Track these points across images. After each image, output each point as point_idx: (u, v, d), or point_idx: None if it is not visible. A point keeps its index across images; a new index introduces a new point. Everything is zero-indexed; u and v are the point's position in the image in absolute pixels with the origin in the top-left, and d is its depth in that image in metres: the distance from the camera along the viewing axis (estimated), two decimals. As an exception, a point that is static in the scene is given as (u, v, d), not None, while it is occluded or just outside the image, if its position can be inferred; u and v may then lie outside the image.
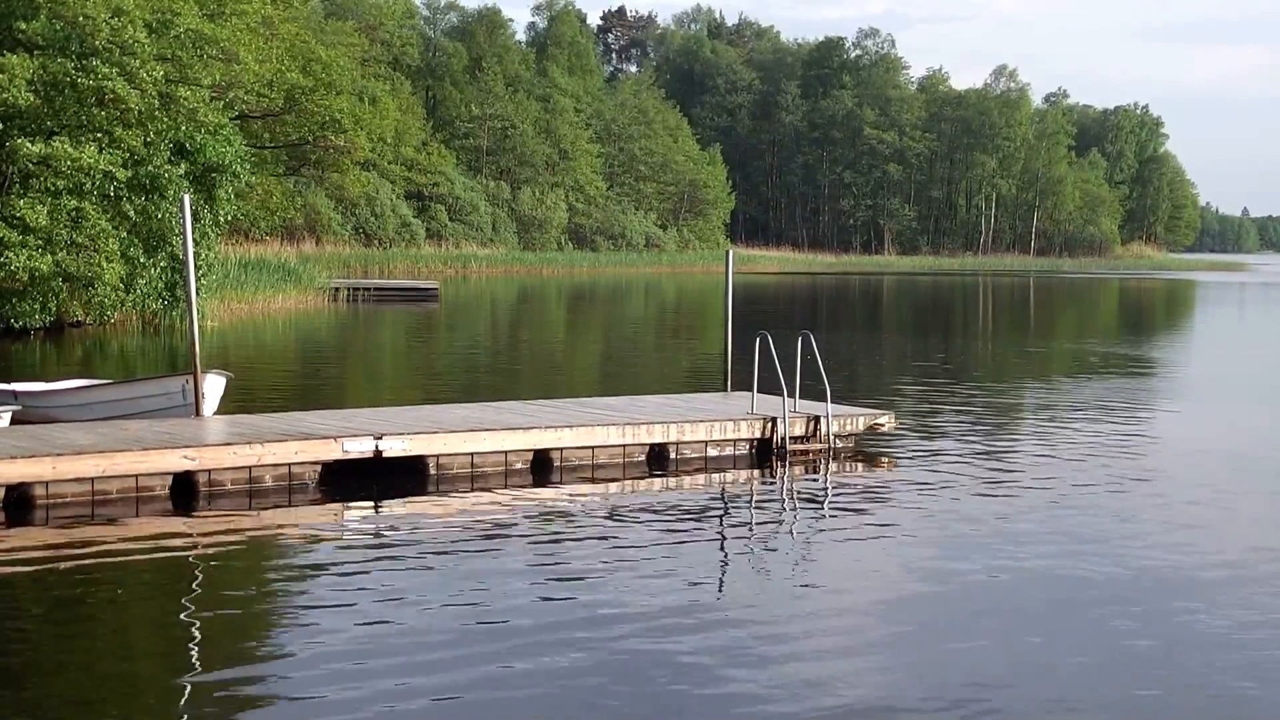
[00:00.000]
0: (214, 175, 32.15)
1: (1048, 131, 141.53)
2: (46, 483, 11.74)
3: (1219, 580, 10.11)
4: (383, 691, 7.39)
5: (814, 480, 14.26)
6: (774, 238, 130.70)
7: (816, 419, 15.53)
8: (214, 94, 34.20)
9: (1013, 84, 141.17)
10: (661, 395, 17.87)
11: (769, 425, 15.24)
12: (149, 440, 12.59)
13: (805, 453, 15.29)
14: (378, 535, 11.44)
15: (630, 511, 12.40)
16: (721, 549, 11.28)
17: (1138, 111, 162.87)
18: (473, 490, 13.11)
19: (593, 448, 14.29)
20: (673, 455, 14.73)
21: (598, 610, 9.00)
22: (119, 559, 10.35)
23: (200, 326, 15.79)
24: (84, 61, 29.32)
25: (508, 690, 7.48)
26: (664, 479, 14.06)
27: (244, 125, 43.49)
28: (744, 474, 14.43)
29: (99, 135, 29.70)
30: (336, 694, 7.38)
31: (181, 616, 9.00)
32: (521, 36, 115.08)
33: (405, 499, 12.72)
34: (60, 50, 29.56)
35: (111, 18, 29.81)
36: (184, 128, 31.43)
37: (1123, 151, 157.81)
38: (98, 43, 29.49)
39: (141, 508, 11.88)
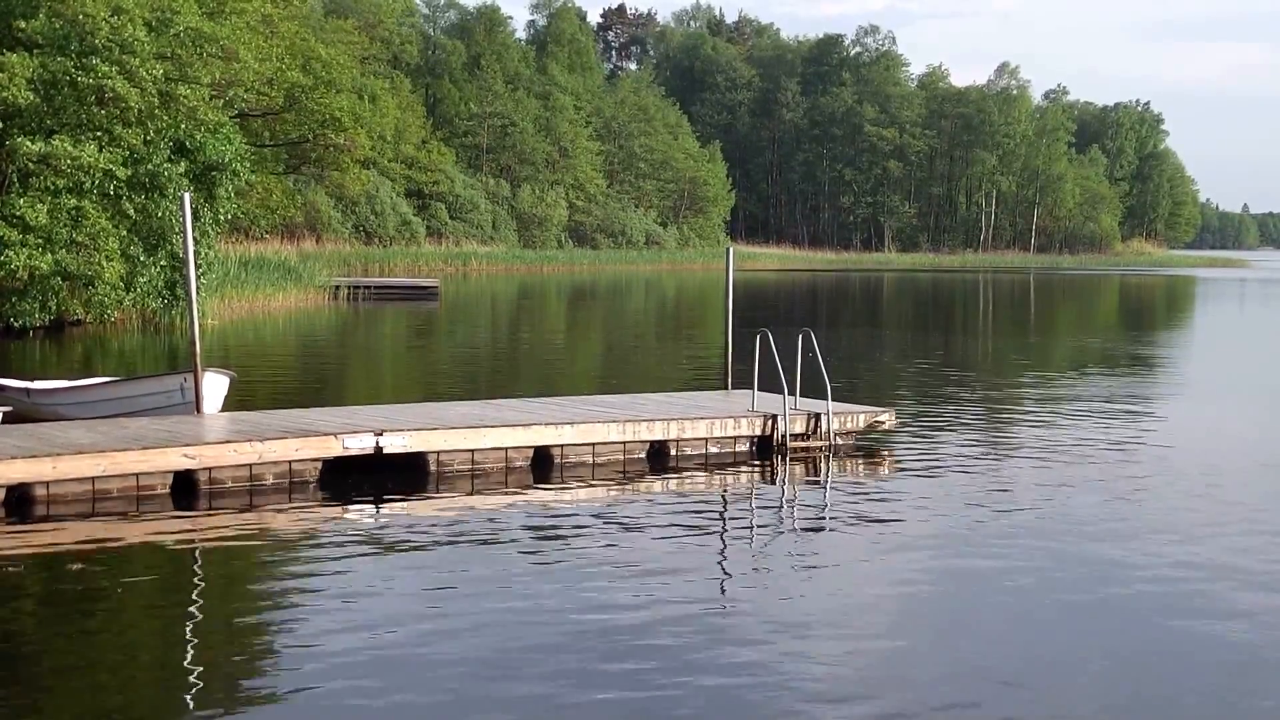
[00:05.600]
0: (214, 173, 32.12)
1: (1048, 128, 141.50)
2: (47, 482, 11.74)
3: (1223, 575, 10.10)
4: (383, 689, 7.39)
5: (814, 478, 14.26)
6: (774, 235, 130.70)
7: (817, 416, 15.52)
8: (214, 92, 34.19)
9: (1014, 81, 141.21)
10: (662, 393, 17.87)
11: (769, 423, 15.23)
12: (149, 439, 12.58)
13: (806, 450, 15.28)
14: (378, 532, 11.43)
15: (631, 509, 12.40)
16: (722, 547, 11.27)
17: (1138, 108, 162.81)
18: (473, 487, 13.11)
19: (593, 445, 14.29)
20: (673, 452, 14.72)
21: (598, 608, 9.00)
22: (119, 558, 10.35)
23: (200, 325, 15.79)
24: (83, 60, 29.31)
25: (507, 688, 7.47)
26: (664, 476, 14.05)
27: (244, 123, 43.47)
28: (744, 471, 14.42)
29: (99, 134, 29.69)
30: (337, 692, 7.38)
31: (182, 615, 9.00)
32: (521, 34, 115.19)
33: (406, 496, 12.72)
34: (60, 49, 29.55)
35: (111, 16, 29.80)
36: (184, 126, 31.41)
37: (1123, 148, 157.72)
38: (97, 41, 29.48)
39: (142, 506, 11.88)
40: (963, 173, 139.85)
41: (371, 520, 11.99)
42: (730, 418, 15.17)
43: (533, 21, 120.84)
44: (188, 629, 8.68)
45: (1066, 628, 8.83)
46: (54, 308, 29.48)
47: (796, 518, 12.48)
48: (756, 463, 14.78)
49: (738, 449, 15.12)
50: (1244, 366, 29.91)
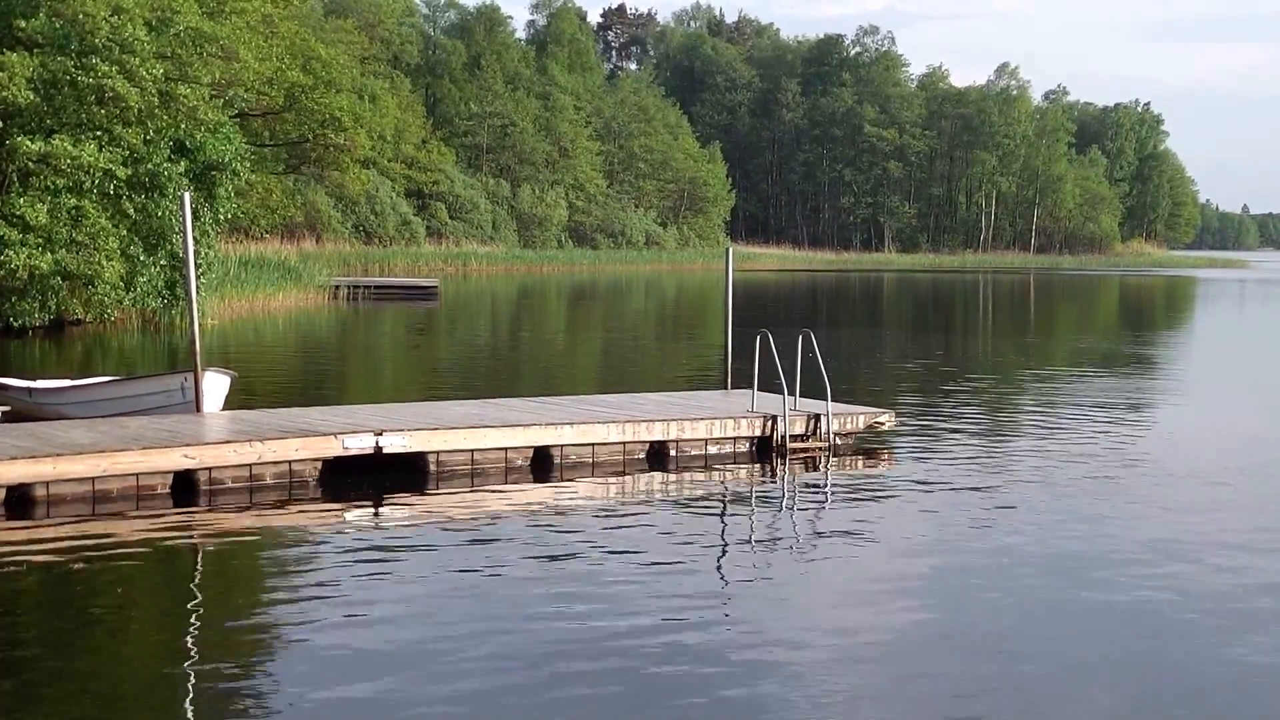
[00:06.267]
0: (214, 173, 32.13)
1: (1047, 129, 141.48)
2: (47, 482, 11.74)
3: (1224, 575, 10.11)
4: (383, 689, 7.40)
5: (814, 478, 14.26)
6: (774, 235, 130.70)
7: (817, 417, 15.53)
8: (214, 92, 34.18)
9: (1014, 81, 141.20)
10: (662, 393, 17.87)
11: (769, 423, 15.23)
12: (149, 439, 12.59)
13: (805, 451, 15.29)
14: (378, 532, 11.44)
15: (630, 509, 12.40)
16: (721, 547, 11.28)
17: (1138, 109, 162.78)
18: (473, 487, 13.11)
19: (593, 445, 14.30)
20: (673, 453, 14.73)
21: (597, 608, 9.00)
22: (119, 558, 10.35)
23: (200, 324, 15.81)
24: (83, 59, 29.30)
25: (506, 688, 7.48)
26: (664, 476, 14.06)
27: (244, 123, 43.48)
28: (744, 472, 14.43)
29: (99, 133, 29.68)
30: (337, 691, 7.39)
31: (182, 615, 9.01)
32: (521, 34, 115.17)
33: (406, 496, 12.72)
34: (60, 48, 29.54)
35: (111, 15, 29.79)
36: (184, 126, 31.41)
37: (1122, 149, 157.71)
38: (97, 41, 29.48)
39: (142, 505, 11.88)
40: (963, 173, 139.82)
41: (371, 520, 12.00)
42: (730, 418, 15.17)
43: (533, 21, 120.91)
44: (188, 628, 8.68)
45: (1067, 628, 8.83)
46: (54, 307, 29.48)
47: (795, 519, 12.48)
48: (756, 463, 14.78)
49: (737, 449, 15.13)
50: (1244, 366, 29.91)
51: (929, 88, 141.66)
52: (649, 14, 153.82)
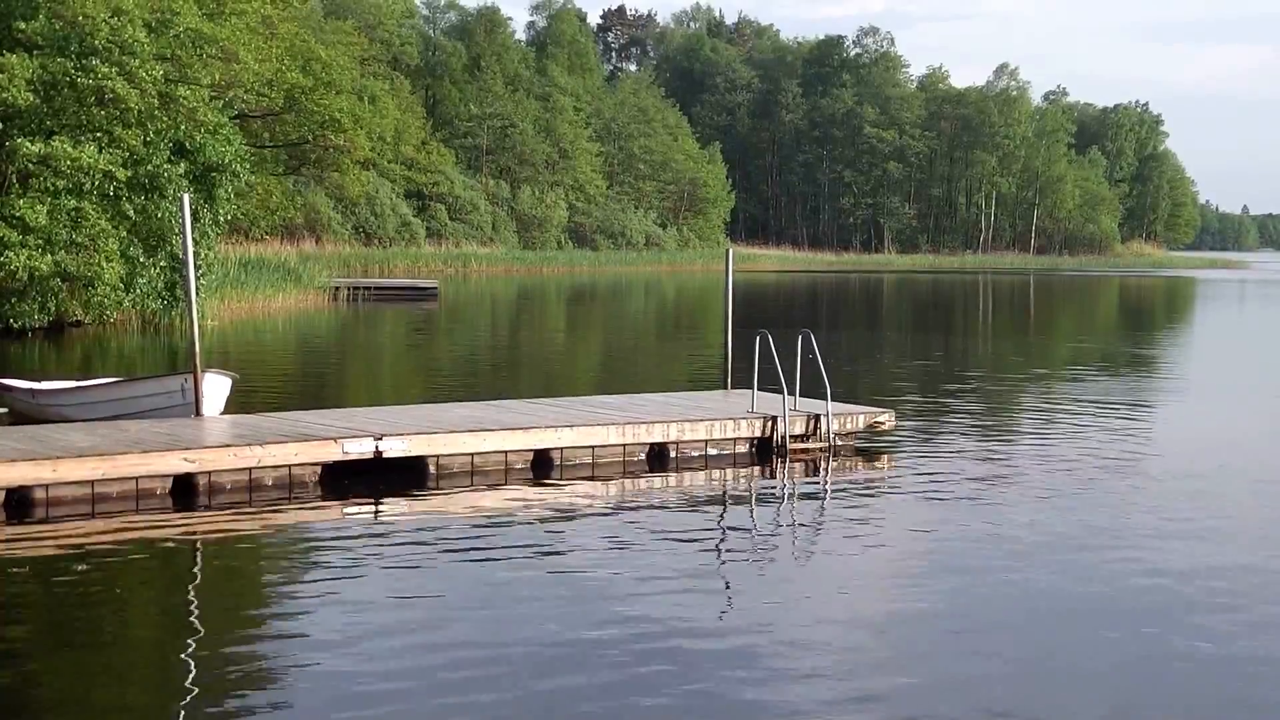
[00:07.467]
0: (214, 174, 32.13)
1: (1047, 129, 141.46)
2: (47, 485, 11.73)
3: (1221, 576, 10.10)
4: (383, 693, 7.39)
5: (814, 479, 14.26)
6: (774, 236, 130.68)
7: (817, 418, 15.53)
8: (213, 93, 34.18)
9: (1013, 82, 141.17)
10: (662, 394, 17.86)
11: (769, 424, 15.23)
12: (149, 442, 12.58)
13: (805, 451, 15.28)
14: (378, 536, 11.43)
15: (631, 511, 12.39)
16: (722, 548, 11.27)
17: (1137, 109, 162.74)
18: (473, 490, 13.10)
19: (593, 447, 14.29)
20: (673, 454, 14.72)
21: (598, 610, 9.00)
22: (119, 561, 10.34)
23: (200, 326, 15.81)
24: (83, 61, 29.30)
25: (507, 690, 7.47)
26: (664, 478, 14.06)
27: (244, 124, 43.48)
28: (744, 473, 14.42)
29: (98, 135, 29.68)
30: (336, 695, 7.38)
31: (181, 618, 9.00)
32: (521, 35, 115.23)
33: (405, 499, 12.71)
34: (59, 50, 29.54)
35: (111, 17, 29.79)
36: (183, 127, 31.40)
37: (1122, 149, 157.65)
38: (97, 42, 29.47)
39: (141, 508, 11.87)
40: (962, 174, 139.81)
41: (371, 524, 11.99)
42: (730, 419, 15.17)
43: (532, 23, 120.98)
44: (187, 632, 8.67)
45: (1068, 630, 8.82)
46: (53, 309, 29.47)
47: (796, 519, 12.47)
48: (756, 464, 14.78)
49: (737, 450, 15.12)
50: (1244, 367, 29.91)
51: (929, 88, 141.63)
52: (649, 15, 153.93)
